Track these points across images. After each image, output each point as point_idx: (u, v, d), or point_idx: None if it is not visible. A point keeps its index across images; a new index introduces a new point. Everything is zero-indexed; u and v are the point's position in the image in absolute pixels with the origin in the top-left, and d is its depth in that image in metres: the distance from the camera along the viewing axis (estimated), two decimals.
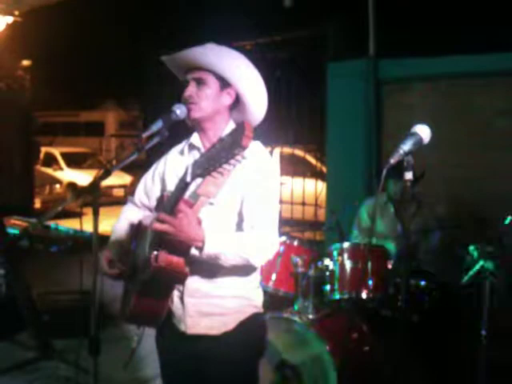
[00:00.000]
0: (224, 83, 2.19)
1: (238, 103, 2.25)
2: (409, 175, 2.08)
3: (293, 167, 7.28)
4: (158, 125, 2.13)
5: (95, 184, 2.06)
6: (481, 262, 3.47)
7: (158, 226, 1.94)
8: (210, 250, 1.99)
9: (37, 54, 11.07)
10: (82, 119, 21.49)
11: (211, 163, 1.81)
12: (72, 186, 13.22)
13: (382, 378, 3.36)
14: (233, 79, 2.18)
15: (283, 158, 8.07)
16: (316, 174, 7.36)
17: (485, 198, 5.03)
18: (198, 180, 1.95)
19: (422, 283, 3.70)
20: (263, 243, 2.10)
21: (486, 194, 5.04)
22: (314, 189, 6.96)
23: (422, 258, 3.98)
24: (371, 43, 5.92)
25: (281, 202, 2.34)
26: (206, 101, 2.18)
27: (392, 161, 2.02)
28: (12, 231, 4.98)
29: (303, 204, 7.01)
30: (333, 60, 6.15)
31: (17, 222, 5.59)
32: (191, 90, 2.19)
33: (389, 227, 4.10)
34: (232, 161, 1.78)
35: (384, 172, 1.99)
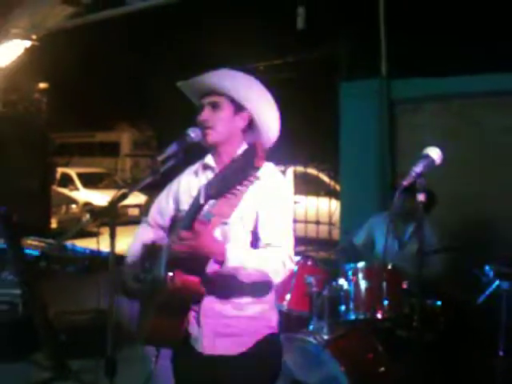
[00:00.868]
0: (238, 107, 2.23)
1: (251, 125, 2.28)
2: (421, 197, 2.10)
3: (306, 186, 7.31)
4: (172, 148, 2.18)
5: (112, 206, 2.10)
6: (497, 282, 3.47)
7: (180, 246, 1.97)
8: (231, 262, 2.02)
9: (53, 77, 11.25)
10: (98, 140, 21.72)
11: (224, 184, 1.84)
12: (90, 208, 13.31)
13: None
14: (246, 103, 2.23)
15: (297, 177, 8.09)
16: (330, 193, 7.37)
17: (498, 216, 5.01)
18: (212, 200, 1.98)
19: (438, 303, 3.68)
20: (280, 260, 2.12)
21: (498, 213, 5.02)
22: (327, 207, 6.97)
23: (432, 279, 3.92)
24: (383, 63, 5.96)
25: (295, 221, 2.37)
26: (220, 125, 2.23)
27: (405, 183, 2.05)
28: (29, 251, 5.02)
29: (317, 223, 7.01)
30: (345, 80, 6.19)
31: (33, 243, 5.64)
32: (206, 114, 2.24)
33: (388, 246, 4.08)
34: (245, 182, 1.80)
35: (397, 194, 2.01)
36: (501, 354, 3.18)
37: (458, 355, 3.64)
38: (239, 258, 2.04)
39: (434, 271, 3.77)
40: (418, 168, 2.08)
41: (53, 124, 10.76)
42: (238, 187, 1.81)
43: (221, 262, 2.02)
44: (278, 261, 2.11)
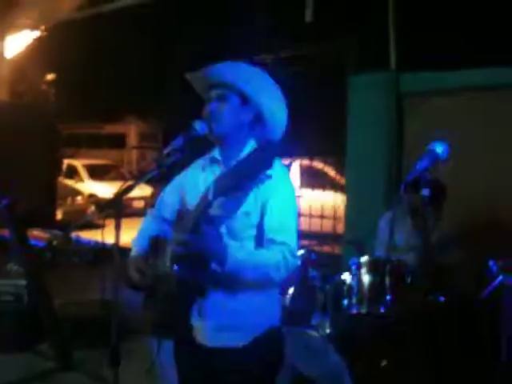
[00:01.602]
0: (245, 100, 2.23)
1: (258, 119, 2.28)
2: (425, 191, 2.10)
3: (311, 179, 7.29)
4: (178, 141, 2.18)
5: (118, 198, 2.11)
6: (500, 277, 3.46)
7: (180, 250, 1.98)
8: (231, 266, 2.03)
9: (61, 68, 11.27)
10: (105, 132, 21.76)
11: (235, 182, 1.84)
12: (95, 200, 13.34)
13: None
14: (253, 96, 2.22)
15: (302, 171, 8.08)
16: (335, 187, 7.35)
17: (509, 211, 4.98)
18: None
19: (441, 299, 3.67)
20: (283, 258, 2.12)
21: (509, 206, 4.99)
22: (332, 201, 6.95)
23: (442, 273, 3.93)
24: (392, 56, 5.93)
25: (299, 214, 2.37)
26: (227, 117, 2.23)
27: (409, 177, 2.04)
28: (34, 243, 5.05)
29: (322, 217, 6.99)
30: (354, 73, 6.17)
31: (39, 234, 5.67)
32: (213, 106, 2.24)
33: (406, 241, 4.08)
34: (256, 180, 1.81)
35: (401, 189, 2.01)
36: (504, 356, 3.17)
37: (461, 350, 3.64)
38: (241, 260, 2.05)
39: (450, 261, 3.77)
40: (423, 163, 2.08)
41: (60, 115, 10.78)
42: (248, 185, 1.82)
43: (223, 264, 2.03)
44: (281, 259, 2.11)
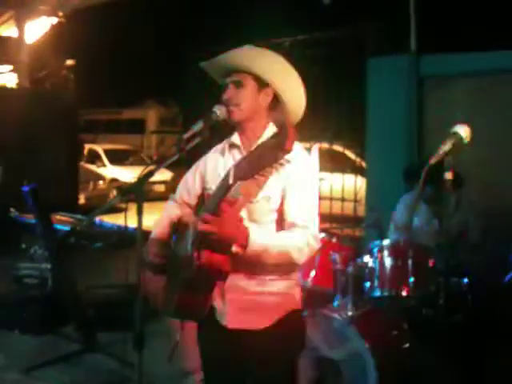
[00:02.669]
0: (262, 84, 2.23)
1: (276, 102, 2.28)
2: (448, 175, 2.07)
3: (332, 163, 7.24)
4: (198, 125, 2.19)
5: (139, 183, 2.13)
6: None
7: (203, 226, 1.98)
8: (253, 247, 2.03)
9: (80, 54, 11.30)
10: (124, 117, 21.84)
11: (255, 166, 1.84)
12: (117, 185, 13.44)
13: (422, 376, 3.34)
14: (270, 79, 2.22)
15: (322, 154, 8.03)
16: (355, 170, 7.31)
17: None
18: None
19: (465, 281, 3.66)
20: (304, 240, 2.13)
21: None
22: (353, 184, 6.92)
23: (463, 257, 3.91)
24: (413, 39, 5.85)
25: (320, 197, 2.37)
26: (245, 102, 2.23)
27: (432, 161, 2.02)
28: (58, 227, 5.12)
29: (342, 200, 6.97)
30: (374, 56, 6.11)
31: (62, 219, 5.74)
32: (231, 92, 2.24)
33: (423, 223, 4.06)
34: (275, 164, 1.81)
35: (423, 174, 1.99)
36: None
37: (484, 335, 3.62)
38: (262, 242, 2.05)
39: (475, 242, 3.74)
40: (446, 146, 2.05)
41: (80, 101, 10.84)
42: (268, 169, 1.82)
43: (244, 246, 2.04)
44: (302, 242, 2.12)
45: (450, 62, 5.56)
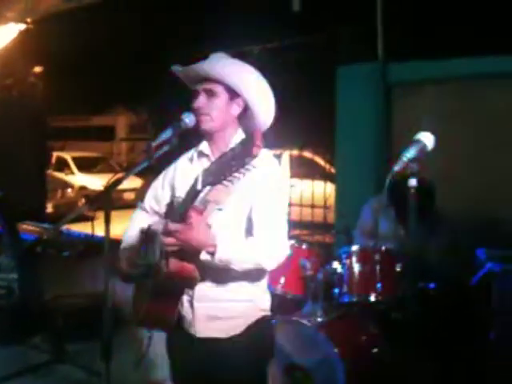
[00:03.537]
0: (233, 94, 2.24)
1: (246, 112, 2.29)
2: (413, 182, 2.11)
3: (302, 169, 7.29)
4: (167, 134, 2.19)
5: (107, 191, 2.11)
6: (488, 265, 3.50)
7: (167, 240, 2.00)
8: (222, 255, 2.04)
9: (48, 61, 11.17)
10: (94, 124, 21.65)
11: (222, 172, 1.86)
12: (85, 193, 13.30)
13: (392, 380, 3.38)
14: (241, 90, 2.23)
15: (292, 161, 8.08)
16: (325, 176, 7.37)
17: (499, 200, 5.02)
18: (208, 187, 1.99)
19: (431, 286, 3.71)
20: (274, 247, 2.14)
21: (500, 196, 5.03)
22: (323, 191, 6.98)
23: (435, 258, 3.94)
24: (380, 47, 5.94)
25: (290, 204, 2.39)
26: (216, 112, 2.24)
27: (396, 168, 2.05)
28: (25, 236, 5.05)
29: (312, 206, 7.02)
30: (342, 64, 6.18)
31: (29, 227, 5.66)
32: (202, 101, 2.24)
33: (391, 228, 4.10)
34: (242, 170, 1.82)
35: (387, 181, 2.02)
36: (492, 336, 3.22)
37: (452, 336, 3.68)
38: (230, 249, 2.06)
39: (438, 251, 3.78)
40: (410, 153, 2.09)
41: (48, 108, 10.71)
42: (235, 175, 1.83)
43: (213, 253, 2.04)
44: (271, 249, 2.13)
45: (417, 69, 5.65)
